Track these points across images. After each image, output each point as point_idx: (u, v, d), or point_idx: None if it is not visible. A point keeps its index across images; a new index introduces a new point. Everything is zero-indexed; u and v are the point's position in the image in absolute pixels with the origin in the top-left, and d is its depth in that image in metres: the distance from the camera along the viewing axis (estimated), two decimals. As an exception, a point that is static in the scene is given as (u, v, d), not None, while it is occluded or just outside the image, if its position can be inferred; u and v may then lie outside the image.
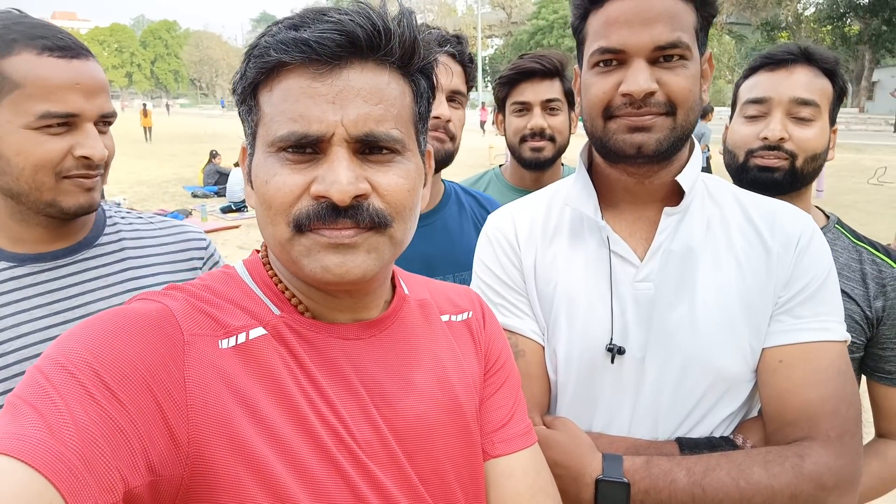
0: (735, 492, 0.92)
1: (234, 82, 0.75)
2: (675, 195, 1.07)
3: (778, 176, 1.36)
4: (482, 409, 0.90)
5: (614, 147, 1.03)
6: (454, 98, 1.59)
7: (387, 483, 0.73)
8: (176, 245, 1.30)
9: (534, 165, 1.98)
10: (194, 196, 12.96)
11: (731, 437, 1.06)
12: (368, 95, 0.69)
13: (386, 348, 0.81)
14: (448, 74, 1.56)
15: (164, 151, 24.36)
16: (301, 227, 0.69)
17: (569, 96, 1.97)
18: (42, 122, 1.03)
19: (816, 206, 1.48)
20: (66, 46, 1.06)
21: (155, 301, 0.71)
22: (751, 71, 1.46)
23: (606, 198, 1.13)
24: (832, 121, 1.41)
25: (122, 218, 1.29)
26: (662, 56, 0.98)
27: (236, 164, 12.16)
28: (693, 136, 1.08)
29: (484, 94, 72.61)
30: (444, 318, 0.92)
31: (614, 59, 1.00)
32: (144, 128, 29.83)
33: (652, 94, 0.98)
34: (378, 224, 0.70)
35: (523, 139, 1.96)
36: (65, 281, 1.14)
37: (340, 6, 0.70)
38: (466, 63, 1.58)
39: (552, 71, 1.92)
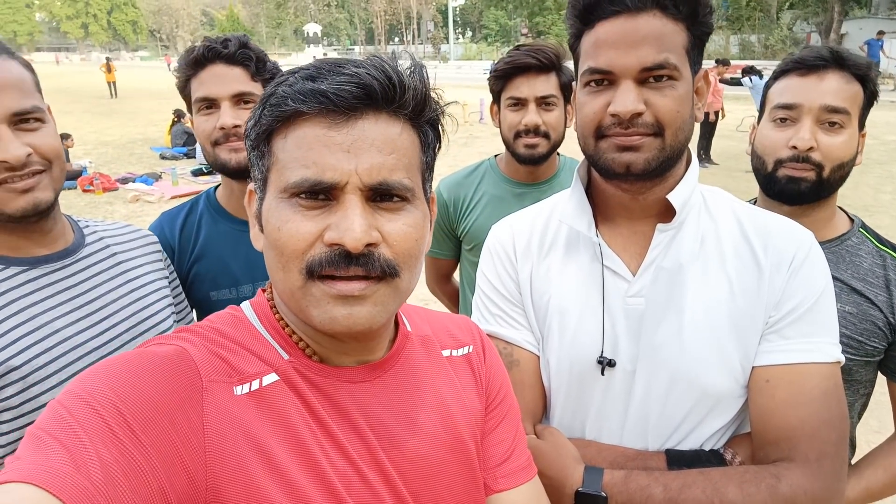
0: None
1: (246, 128, 0.77)
2: (671, 211, 1.07)
3: (804, 187, 1.37)
4: (484, 443, 0.92)
5: (604, 165, 1.04)
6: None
7: None
8: (144, 241, 1.39)
9: (528, 161, 1.97)
10: (163, 158, 12.59)
11: (721, 451, 1.08)
12: (382, 145, 0.71)
13: (391, 389, 0.82)
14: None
15: (126, 108, 23.49)
16: (313, 273, 0.70)
17: (565, 90, 1.94)
18: None
19: (840, 208, 1.48)
20: None
21: (172, 344, 0.73)
22: (781, 73, 1.44)
23: (603, 212, 1.15)
24: (861, 125, 1.40)
25: (96, 224, 1.34)
26: (651, 77, 0.98)
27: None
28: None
29: (455, 46, 71.06)
30: (446, 353, 0.94)
31: (604, 79, 1.01)
32: (109, 83, 28.77)
33: (639, 114, 0.99)
34: (388, 274, 0.72)
35: (518, 135, 1.94)
36: (76, 278, 1.18)
37: (356, 59, 0.72)
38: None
39: (548, 65, 1.89)
